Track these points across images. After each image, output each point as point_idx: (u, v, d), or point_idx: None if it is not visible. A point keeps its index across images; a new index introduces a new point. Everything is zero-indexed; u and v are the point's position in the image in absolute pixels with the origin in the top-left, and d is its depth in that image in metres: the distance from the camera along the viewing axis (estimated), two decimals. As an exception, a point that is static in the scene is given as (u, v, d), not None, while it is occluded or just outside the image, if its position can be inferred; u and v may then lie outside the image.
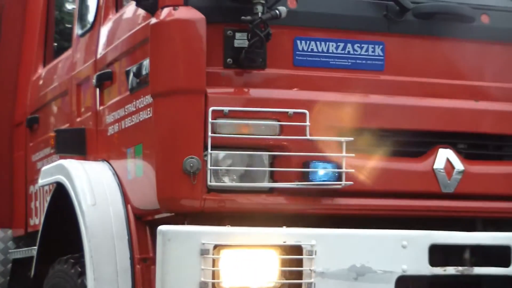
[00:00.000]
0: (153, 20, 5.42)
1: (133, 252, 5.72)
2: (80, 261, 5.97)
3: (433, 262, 5.31)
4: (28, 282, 7.23)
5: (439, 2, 5.93)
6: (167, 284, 4.99)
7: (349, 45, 5.63)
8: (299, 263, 5.02)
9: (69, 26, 7.59)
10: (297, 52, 5.51)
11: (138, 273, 5.67)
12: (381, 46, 5.71)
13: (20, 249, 8.03)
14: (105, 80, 6.44)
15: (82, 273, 5.88)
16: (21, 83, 8.46)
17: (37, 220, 7.41)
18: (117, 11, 6.55)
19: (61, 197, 6.42)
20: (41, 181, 6.92)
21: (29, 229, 7.96)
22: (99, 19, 6.81)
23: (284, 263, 5.01)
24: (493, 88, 5.97)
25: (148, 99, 5.59)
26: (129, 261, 5.73)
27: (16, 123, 8.48)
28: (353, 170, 5.36)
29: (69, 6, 7.66)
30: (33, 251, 7.06)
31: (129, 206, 5.90)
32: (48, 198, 6.78)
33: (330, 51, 5.59)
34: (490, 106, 5.92)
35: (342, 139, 5.32)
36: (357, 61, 5.66)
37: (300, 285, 5.04)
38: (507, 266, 5.48)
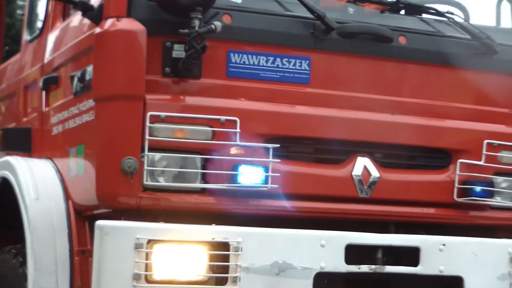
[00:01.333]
0: (98, 30, 5.48)
1: (72, 245, 5.75)
2: (22, 251, 5.98)
3: (348, 260, 5.44)
4: None
5: (361, 23, 6.05)
6: (103, 275, 5.07)
7: (278, 59, 5.73)
8: (226, 258, 5.13)
9: (17, 29, 7.68)
10: (230, 64, 5.62)
11: (77, 264, 5.71)
12: (307, 61, 5.80)
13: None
14: (51, 83, 6.47)
15: (24, 263, 5.92)
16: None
17: None
18: (64, 19, 6.59)
19: (5, 191, 6.43)
20: None
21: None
22: (47, 26, 6.85)
23: (212, 258, 5.12)
24: (408, 103, 6.12)
25: (90, 102, 5.63)
26: (68, 253, 5.75)
27: None
28: (278, 174, 5.47)
29: (19, 12, 7.74)
30: None
31: (70, 202, 5.91)
32: None
33: (261, 64, 5.70)
34: (404, 119, 6.06)
35: (269, 145, 5.44)
36: (285, 74, 5.75)
37: (226, 279, 5.15)
38: (415, 265, 5.65)
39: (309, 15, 5.79)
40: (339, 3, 6.26)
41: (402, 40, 6.12)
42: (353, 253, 5.51)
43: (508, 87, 6.53)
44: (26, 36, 7.39)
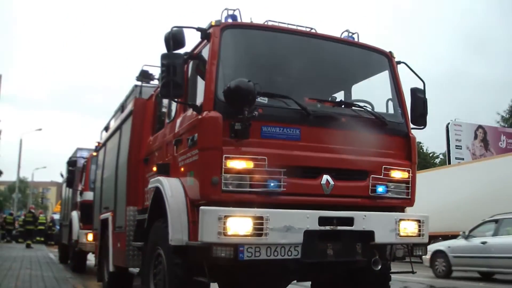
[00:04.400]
0: (200, 117, 5.90)
1: (189, 217, 5.93)
2: (166, 221, 6.11)
3: (320, 224, 5.77)
4: (143, 231, 7.22)
5: (323, 111, 6.30)
6: (204, 232, 5.41)
7: (285, 128, 5.96)
8: (261, 224, 5.42)
9: (162, 119, 8.00)
10: (262, 131, 5.86)
11: (191, 227, 5.87)
12: (299, 129, 6.02)
13: (140, 215, 8.09)
14: (178, 142, 6.58)
15: (166, 227, 6.06)
16: (143, 143, 8.53)
17: (147, 203, 7.35)
18: (184, 112, 6.68)
19: (157, 194, 6.65)
20: (149, 186, 7.06)
21: (144, 206, 7.97)
22: (177, 115, 6.94)
23: (254, 224, 5.40)
24: (346, 149, 6.24)
25: (196, 151, 5.91)
26: (187, 222, 5.94)
27: (139, 160, 8.49)
28: (285, 183, 5.73)
29: (163, 111, 8.01)
30: (146, 216, 7.13)
31: (187, 197, 6.06)
32: (152, 194, 6.86)
33: (277, 131, 5.93)
34: (345, 156, 6.21)
35: (280, 169, 5.71)
36: (288, 135, 5.97)
37: (261, 233, 5.39)
38: (351, 226, 5.96)
39: (298, 107, 6.01)
40: (312, 102, 6.34)
41: (343, 119, 6.32)
42: (322, 221, 5.79)
43: (391, 141, 6.66)
44: (167, 120, 7.44)
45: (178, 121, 6.88)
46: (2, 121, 38.40)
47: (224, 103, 5.73)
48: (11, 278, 12.03)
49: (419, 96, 7.00)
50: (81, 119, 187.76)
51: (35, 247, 30.25)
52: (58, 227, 31.81)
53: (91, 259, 15.68)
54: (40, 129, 62.16)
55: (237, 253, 5.36)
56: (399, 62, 7.08)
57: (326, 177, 6.05)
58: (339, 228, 5.91)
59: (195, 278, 5.85)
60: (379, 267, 6.22)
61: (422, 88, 7.05)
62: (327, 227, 5.84)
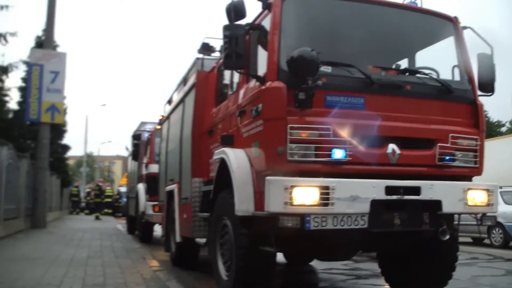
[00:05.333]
0: (263, 87, 5.88)
1: (254, 188, 5.97)
2: (231, 192, 6.16)
3: (387, 193, 5.67)
4: (209, 201, 7.32)
5: (388, 79, 6.17)
6: (270, 202, 5.36)
7: (349, 97, 5.88)
8: (327, 193, 5.37)
9: (225, 90, 8.00)
10: (326, 101, 5.78)
11: (257, 197, 5.92)
12: (363, 98, 5.93)
13: (205, 186, 8.18)
14: (242, 113, 6.59)
15: (232, 197, 6.11)
16: (207, 115, 8.57)
17: (212, 174, 7.42)
18: (246, 83, 6.68)
19: (222, 165, 6.68)
20: (215, 157, 7.06)
21: (209, 178, 8.06)
22: (240, 87, 6.93)
23: (321, 193, 5.35)
24: (412, 117, 6.12)
25: (260, 121, 5.89)
26: (252, 192, 5.99)
27: (203, 132, 8.56)
28: (351, 152, 5.67)
29: (225, 83, 8.01)
30: (211, 187, 7.21)
31: (252, 168, 6.08)
32: (217, 165, 6.88)
33: (341, 100, 5.84)
34: (411, 125, 6.10)
35: (345, 138, 5.66)
36: (352, 104, 5.88)
37: (327, 203, 5.35)
38: (418, 195, 5.85)
39: (362, 76, 5.93)
40: (376, 70, 6.19)
41: (408, 87, 6.19)
42: (389, 190, 5.69)
43: (458, 109, 6.50)
44: (230, 91, 7.45)
45: (241, 92, 6.87)
46: (68, 97, 39.66)
47: (287, 73, 5.66)
48: (84, 248, 12.37)
49: (486, 62, 6.74)
50: (144, 94, 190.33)
51: (104, 219, 31.05)
52: (124, 199, 32.53)
53: (157, 230, 16.01)
54: (104, 105, 63.70)
55: (303, 222, 5.32)
56: (464, 27, 6.83)
57: (392, 146, 5.94)
58: (406, 197, 5.80)
59: (262, 248, 5.86)
60: (447, 237, 6.08)
61: (490, 53, 6.77)
62: (394, 197, 5.73)
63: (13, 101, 32.89)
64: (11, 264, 8.87)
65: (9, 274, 7.67)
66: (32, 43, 31.59)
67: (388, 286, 7.83)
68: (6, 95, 25.99)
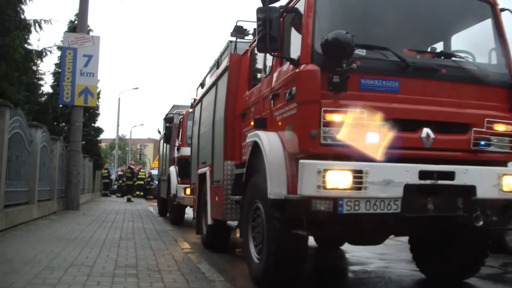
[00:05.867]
0: (297, 70, 5.83)
1: (287, 171, 5.96)
2: (264, 176, 6.18)
3: (420, 178, 5.61)
4: (241, 184, 7.40)
5: (423, 62, 6.06)
6: (303, 186, 5.40)
7: (384, 81, 5.84)
8: (360, 177, 5.37)
9: (258, 74, 8.00)
10: (361, 84, 5.75)
11: (289, 181, 5.91)
12: (398, 81, 5.89)
13: (238, 169, 8.25)
14: (275, 96, 6.57)
15: (265, 181, 6.13)
16: (239, 98, 8.60)
17: (245, 157, 7.59)
18: (280, 66, 6.65)
19: (255, 148, 6.74)
20: (247, 140, 7.10)
21: (242, 161, 8.08)
22: (273, 70, 6.91)
23: (354, 177, 5.35)
24: (447, 101, 6.05)
25: (294, 104, 5.86)
26: (285, 175, 5.97)
27: (236, 116, 8.59)
28: (385, 136, 5.59)
29: (258, 66, 8.01)
30: (244, 170, 7.28)
31: (285, 151, 6.09)
32: (250, 148, 6.94)
33: (376, 83, 5.81)
34: (445, 109, 6.01)
35: (380, 123, 5.60)
36: (387, 87, 5.84)
37: (360, 187, 5.35)
38: (452, 180, 5.76)
39: (397, 59, 5.88)
40: (411, 53, 6.13)
41: (443, 70, 6.11)
42: (422, 175, 5.63)
43: (495, 93, 6.35)
44: (263, 74, 7.46)
45: (275, 75, 6.85)
46: (101, 81, 39.84)
47: (321, 56, 5.62)
48: (116, 230, 12.53)
49: None
50: (177, 77, 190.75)
51: (135, 201, 31.35)
52: (156, 182, 32.77)
53: (189, 212, 16.08)
54: (137, 88, 63.91)
55: (336, 206, 5.33)
56: (502, 9, 6.68)
57: (426, 130, 5.88)
58: (440, 182, 5.72)
59: (294, 231, 5.84)
60: (481, 223, 5.94)
61: None
62: (428, 181, 5.67)
63: (47, 84, 33.23)
64: (46, 244, 8.98)
65: (45, 254, 7.76)
66: (65, 28, 31.73)
67: (420, 271, 7.82)
68: (41, 78, 26.28)
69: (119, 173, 44.44)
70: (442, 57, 6.41)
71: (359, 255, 10.28)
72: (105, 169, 42.71)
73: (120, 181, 40.37)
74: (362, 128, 5.59)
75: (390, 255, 10.50)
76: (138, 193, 36.78)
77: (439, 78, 6.10)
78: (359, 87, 5.77)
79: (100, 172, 41.33)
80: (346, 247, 11.03)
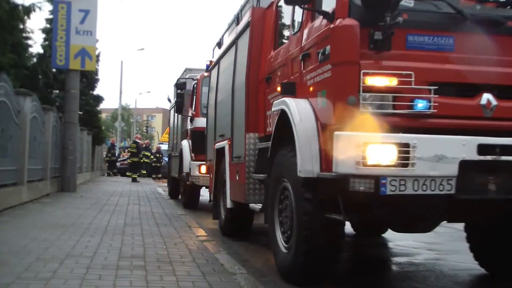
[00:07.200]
0: (332, 26, 5.85)
1: (320, 145, 5.99)
2: (293, 149, 6.22)
3: (479, 153, 5.54)
4: (265, 160, 7.46)
5: (484, 14, 5.99)
6: (338, 162, 5.42)
7: (436, 37, 5.78)
8: (407, 152, 5.32)
9: (286, 31, 8.00)
10: (408, 41, 5.72)
11: (323, 156, 5.94)
12: (452, 38, 5.82)
13: (262, 143, 8.29)
14: (306, 57, 6.61)
15: (294, 155, 6.19)
16: (263, 60, 8.59)
17: (270, 129, 7.75)
18: (312, 21, 6.68)
19: (282, 118, 6.77)
20: (273, 108, 7.16)
21: (266, 133, 8.16)
22: (303, 26, 6.94)
23: (399, 152, 5.31)
24: (508, 61, 5.95)
25: (329, 66, 5.87)
26: (318, 150, 6.00)
27: (260, 80, 8.62)
28: (436, 104, 5.59)
29: (285, 21, 7.99)
30: (269, 144, 7.33)
31: (318, 122, 6.12)
32: (276, 118, 7.02)
33: (426, 40, 5.75)
34: (510, 71, 5.93)
35: (431, 87, 5.60)
36: (440, 45, 5.78)
37: (407, 164, 5.31)
38: None
39: (451, 10, 5.84)
40: (469, 3, 6.10)
41: (509, 23, 5.96)
42: (482, 149, 5.57)
43: None
44: (292, 32, 7.48)
45: (305, 32, 6.86)
46: (100, 41, 39.47)
47: (361, 8, 5.62)
48: (119, 214, 12.65)
49: None
50: (189, 36, 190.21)
51: (142, 181, 31.58)
52: (166, 158, 32.91)
53: (204, 194, 16.17)
54: (142, 49, 64.04)
55: (378, 186, 5.32)
56: None
57: (486, 96, 5.83)
58: (503, 158, 5.64)
59: (328, 215, 5.91)
60: None
61: None
62: (488, 157, 5.61)
63: (36, 45, 32.72)
64: (39, 231, 9.10)
65: (37, 243, 7.85)
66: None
67: (479, 265, 7.79)
68: (29, 38, 26.00)
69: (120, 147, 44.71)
70: (508, 7, 6.34)
71: (404, 245, 10.28)
72: (112, 143, 43.06)
73: (106, 157, 40.92)
74: (409, 94, 5.60)
75: (442, 245, 10.47)
76: (144, 172, 37.00)
77: (503, 33, 6.02)
78: (406, 45, 5.75)
79: (100, 148, 41.66)
80: (389, 234, 11.04)
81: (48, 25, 29.76)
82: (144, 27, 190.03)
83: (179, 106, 18.73)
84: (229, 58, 10.72)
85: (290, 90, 6.92)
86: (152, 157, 38.95)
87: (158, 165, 39.05)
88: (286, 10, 7.89)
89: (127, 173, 34.68)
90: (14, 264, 6.32)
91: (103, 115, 56.31)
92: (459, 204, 5.73)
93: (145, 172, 37.40)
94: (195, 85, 17.27)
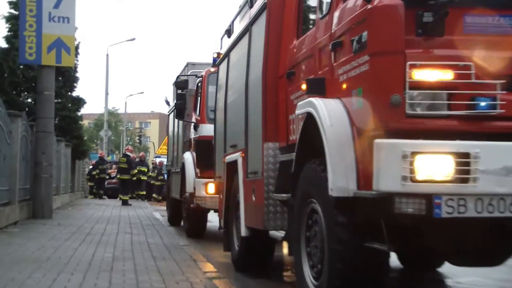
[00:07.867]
0: (370, 6, 5.84)
1: (357, 156, 5.98)
2: (323, 162, 6.21)
3: None
4: (288, 176, 7.46)
5: None
6: (380, 177, 5.43)
7: (499, 18, 5.76)
8: (467, 164, 5.31)
9: (312, 14, 8.02)
10: (466, 23, 5.72)
11: (360, 170, 5.93)
12: None
13: (284, 155, 8.28)
14: (337, 46, 6.61)
15: (324, 170, 6.17)
16: (284, 50, 8.60)
17: (294, 137, 7.66)
18: (344, 2, 6.68)
19: (309, 123, 6.76)
20: (297, 111, 7.16)
21: (289, 142, 8.14)
22: (333, 7, 6.94)
23: (458, 164, 5.30)
24: None
25: (366, 57, 5.89)
26: (354, 162, 5.98)
27: (280, 76, 8.66)
28: (504, 103, 5.58)
29: (311, 2, 7.99)
30: (293, 156, 7.30)
31: (354, 127, 6.11)
32: (302, 123, 7.01)
33: (488, 21, 5.74)
34: None
35: (496, 81, 5.60)
36: (507, 29, 5.76)
37: (468, 179, 5.30)
38: None
39: None
40: None
41: None
42: None
43: None
44: (319, 15, 7.44)
45: (336, 15, 6.89)
46: (80, 29, 39.06)
47: None
48: (107, 246, 12.65)
49: None
50: (190, 24, 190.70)
51: (134, 204, 31.56)
52: (165, 174, 32.82)
53: (212, 219, 16.15)
54: (133, 39, 63.94)
55: (431, 207, 5.31)
56: None
57: None
58: None
59: (368, 245, 5.90)
60: None
61: None
62: None
63: (-1, 36, 32.50)
64: (4, 269, 9.09)
65: (2, 284, 7.81)
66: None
67: None
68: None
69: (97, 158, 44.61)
70: None
71: (467, 282, 10.19)
72: (100, 157, 43.08)
73: (94, 173, 40.93)
74: (468, 91, 5.61)
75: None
76: (141, 192, 37.03)
77: None
78: (463, 29, 5.77)
79: (81, 163, 41.69)
80: (446, 268, 10.94)
81: (13, 11, 29.66)
82: (135, 12, 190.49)
83: (180, 110, 18.67)
84: (241, 50, 10.75)
85: (318, 88, 6.94)
86: (150, 173, 38.91)
87: (159, 183, 38.53)
88: (312, -12, 7.91)
89: (120, 196, 33.55)
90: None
91: (85, 122, 56.44)
92: None
93: (144, 193, 37.38)
94: (199, 84, 17.31)
